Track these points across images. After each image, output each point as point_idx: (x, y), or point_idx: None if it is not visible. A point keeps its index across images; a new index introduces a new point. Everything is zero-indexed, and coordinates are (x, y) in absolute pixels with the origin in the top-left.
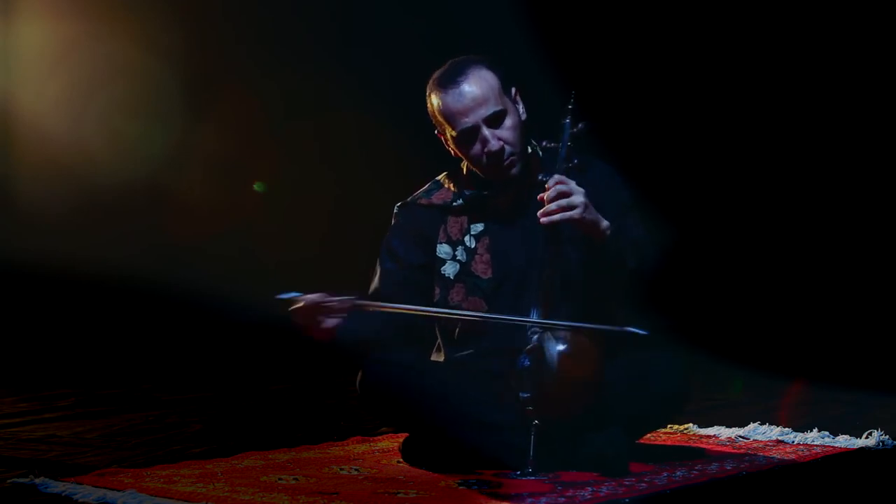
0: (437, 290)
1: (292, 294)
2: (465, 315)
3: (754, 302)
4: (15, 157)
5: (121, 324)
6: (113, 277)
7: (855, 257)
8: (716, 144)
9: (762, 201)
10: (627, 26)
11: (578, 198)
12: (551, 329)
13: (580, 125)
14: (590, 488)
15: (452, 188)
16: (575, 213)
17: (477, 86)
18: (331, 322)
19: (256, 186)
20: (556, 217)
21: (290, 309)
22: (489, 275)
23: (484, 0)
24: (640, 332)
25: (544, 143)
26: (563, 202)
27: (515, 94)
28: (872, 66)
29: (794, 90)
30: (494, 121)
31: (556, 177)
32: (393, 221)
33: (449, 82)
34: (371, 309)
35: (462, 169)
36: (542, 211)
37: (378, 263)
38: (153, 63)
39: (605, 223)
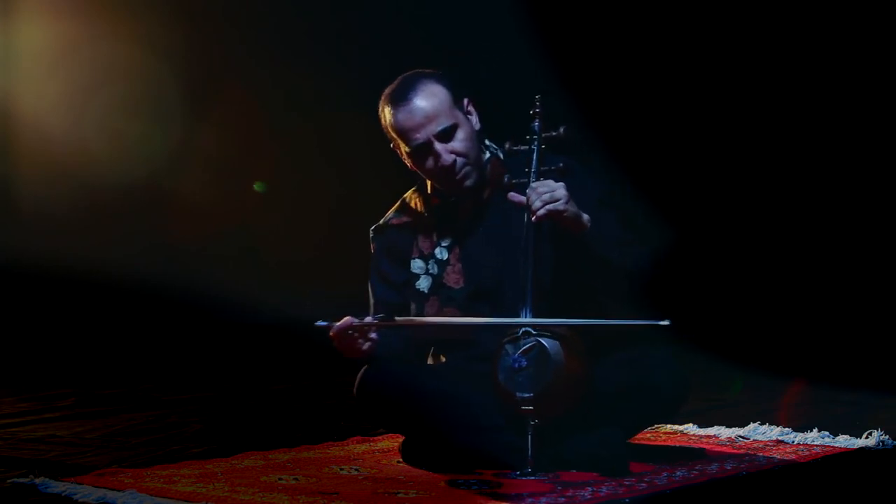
0: (413, 306)
1: (326, 323)
2: (487, 322)
3: (754, 302)
4: (15, 158)
5: (121, 324)
6: (113, 277)
7: (854, 257)
8: (716, 144)
9: (762, 201)
10: (626, 26)
11: (561, 191)
12: (544, 328)
13: (561, 129)
14: (590, 488)
15: (420, 204)
16: (559, 204)
17: (427, 101)
18: (366, 345)
19: (256, 186)
20: (543, 211)
21: (330, 333)
22: (461, 284)
23: (483, 0)
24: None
25: (508, 146)
26: (546, 196)
27: (468, 105)
28: (872, 66)
29: (794, 90)
30: (445, 135)
31: (534, 184)
32: (372, 245)
33: (399, 98)
34: (397, 325)
35: (427, 184)
36: (530, 207)
37: (370, 288)
38: (153, 63)
39: (585, 217)
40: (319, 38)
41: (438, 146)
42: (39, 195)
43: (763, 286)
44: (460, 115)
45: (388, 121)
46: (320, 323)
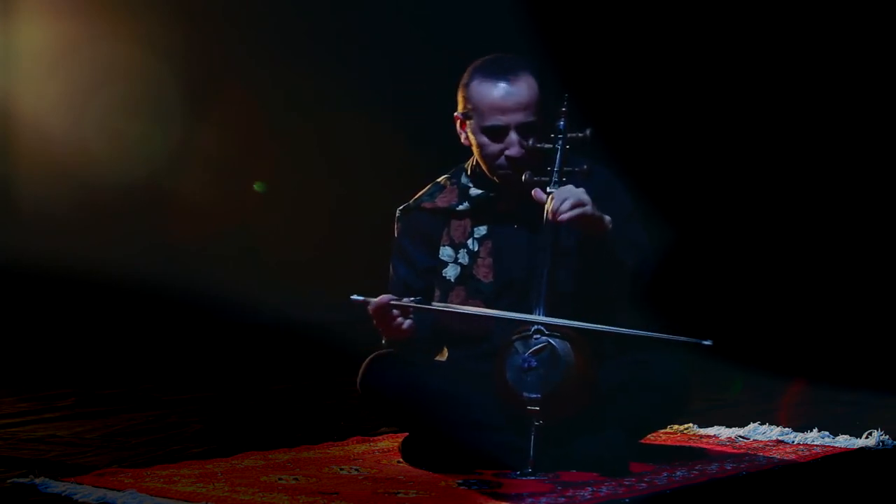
0: (437, 293)
1: (362, 298)
2: (519, 318)
3: (754, 302)
4: (15, 158)
5: (121, 324)
6: (113, 277)
7: (855, 257)
8: (716, 145)
9: (762, 202)
10: (626, 25)
11: (584, 195)
12: (555, 329)
13: (587, 131)
14: (590, 488)
15: (455, 191)
16: (588, 209)
17: (524, 90)
18: (407, 322)
19: (256, 186)
20: (574, 213)
21: (368, 308)
22: (490, 279)
23: (483, 0)
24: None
25: (532, 142)
26: (573, 201)
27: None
28: (872, 66)
29: (794, 90)
30: (525, 129)
31: (559, 190)
32: (398, 226)
33: (498, 75)
34: (433, 310)
35: (466, 169)
36: (555, 212)
37: (392, 268)
38: (153, 63)
39: (607, 218)
40: (319, 38)
41: (514, 136)
42: (39, 195)
43: (763, 286)
44: (540, 116)
45: (473, 90)
46: (356, 297)
